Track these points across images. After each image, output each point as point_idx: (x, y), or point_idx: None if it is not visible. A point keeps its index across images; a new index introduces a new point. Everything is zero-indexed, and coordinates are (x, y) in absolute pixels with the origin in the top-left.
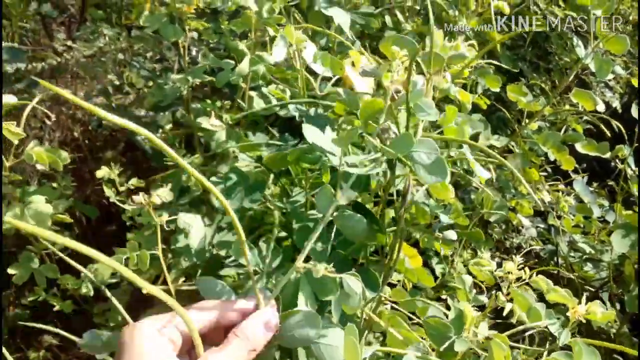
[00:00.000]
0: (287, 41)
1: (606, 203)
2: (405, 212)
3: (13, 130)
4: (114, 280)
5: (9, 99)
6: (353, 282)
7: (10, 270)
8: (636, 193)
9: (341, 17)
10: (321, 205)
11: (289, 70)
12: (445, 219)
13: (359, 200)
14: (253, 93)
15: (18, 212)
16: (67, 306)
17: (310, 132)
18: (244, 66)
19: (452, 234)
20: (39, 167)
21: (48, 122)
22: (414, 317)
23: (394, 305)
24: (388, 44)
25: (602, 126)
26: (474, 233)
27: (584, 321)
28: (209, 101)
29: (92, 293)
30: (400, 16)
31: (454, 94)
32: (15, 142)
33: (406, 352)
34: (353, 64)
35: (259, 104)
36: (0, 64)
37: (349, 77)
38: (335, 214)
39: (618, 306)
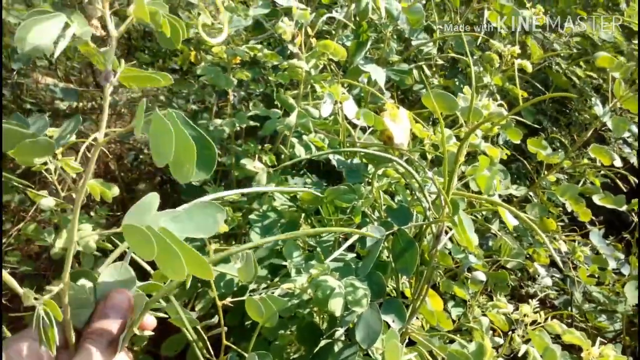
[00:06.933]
0: (333, 98)
1: (622, 256)
2: (435, 253)
3: (72, 165)
4: None
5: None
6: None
7: None
8: None
9: (377, 73)
10: None
11: (330, 122)
12: (473, 259)
13: None
14: (294, 140)
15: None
16: None
17: None
18: (293, 119)
19: (481, 275)
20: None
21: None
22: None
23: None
24: (429, 98)
25: (618, 181)
26: (499, 274)
27: None
28: (252, 144)
29: None
30: (427, 70)
31: (482, 149)
32: (74, 175)
33: None
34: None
35: (300, 151)
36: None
37: (388, 129)
38: None
39: (631, 359)
